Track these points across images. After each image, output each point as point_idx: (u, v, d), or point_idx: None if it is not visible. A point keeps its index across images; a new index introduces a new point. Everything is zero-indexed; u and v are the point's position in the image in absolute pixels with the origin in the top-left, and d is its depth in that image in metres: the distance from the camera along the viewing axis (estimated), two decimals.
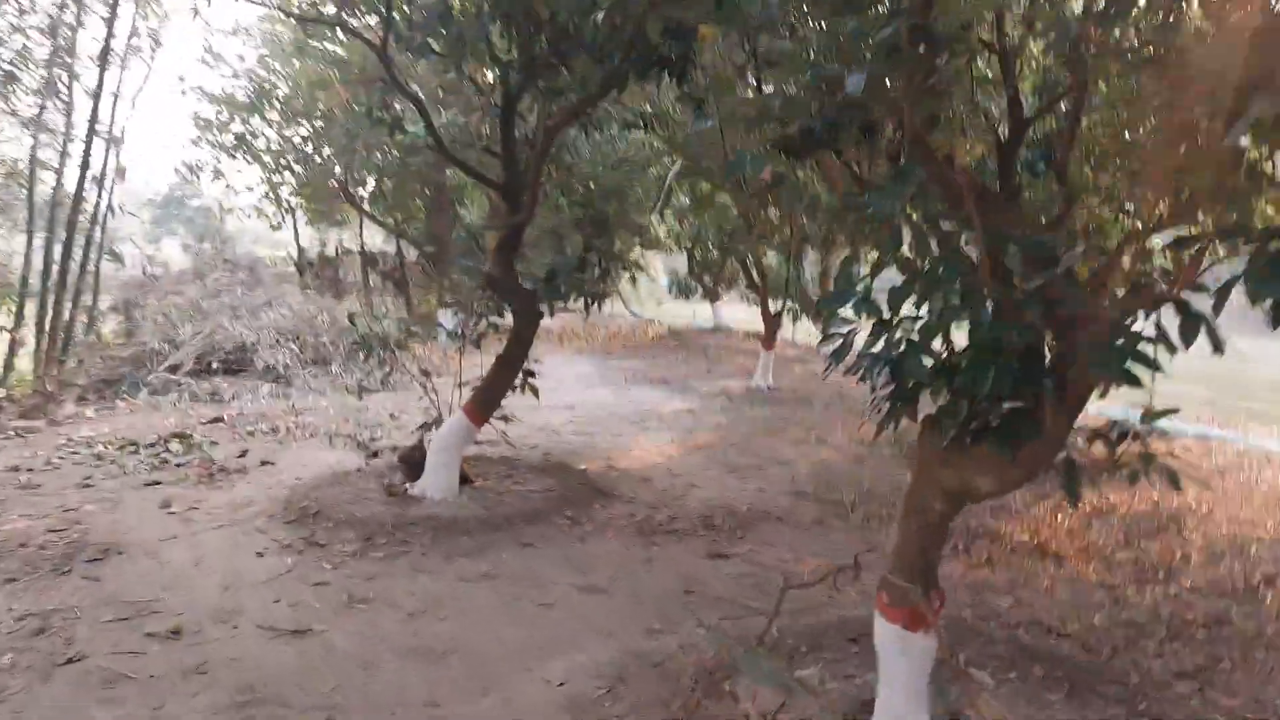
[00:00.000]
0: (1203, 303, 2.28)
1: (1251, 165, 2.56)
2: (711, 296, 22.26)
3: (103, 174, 11.59)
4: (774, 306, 13.23)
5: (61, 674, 3.94)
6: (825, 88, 2.96)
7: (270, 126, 20.46)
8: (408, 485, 6.81)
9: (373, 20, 7.02)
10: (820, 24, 3.35)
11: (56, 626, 4.38)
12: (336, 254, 23.02)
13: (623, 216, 7.57)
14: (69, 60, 11.35)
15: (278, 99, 19.76)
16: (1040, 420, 2.68)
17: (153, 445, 8.66)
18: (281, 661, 4.11)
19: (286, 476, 7.52)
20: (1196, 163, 2.60)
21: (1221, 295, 2.14)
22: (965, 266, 2.69)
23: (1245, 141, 2.32)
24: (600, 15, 5.35)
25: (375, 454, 8.50)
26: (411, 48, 6.26)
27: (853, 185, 3.20)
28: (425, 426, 7.19)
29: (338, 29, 14.79)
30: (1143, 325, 2.48)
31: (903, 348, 2.63)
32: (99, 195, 11.72)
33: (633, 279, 23.13)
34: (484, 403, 6.78)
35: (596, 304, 6.92)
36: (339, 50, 18.18)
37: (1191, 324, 2.24)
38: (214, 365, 12.76)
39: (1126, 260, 2.83)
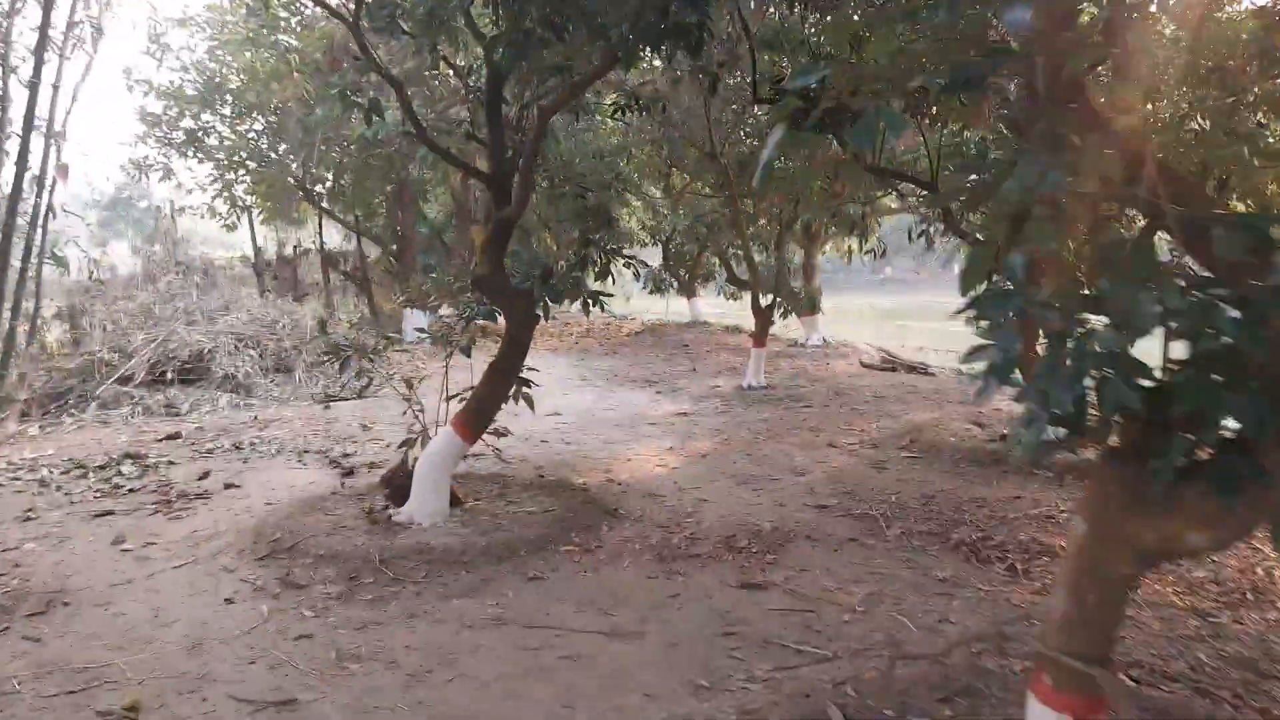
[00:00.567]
0: None
1: None
2: (688, 291, 21.67)
3: (42, 172, 10.69)
4: (763, 301, 12.62)
5: None
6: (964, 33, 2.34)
7: (222, 122, 19.52)
8: (391, 511, 6.12)
9: None
10: None
11: None
12: (295, 254, 22.09)
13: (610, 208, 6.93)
14: (2, 49, 10.43)
15: (229, 92, 18.83)
16: (1260, 457, 2.06)
17: (103, 468, 7.89)
18: None
19: (254, 501, 6.79)
20: None
21: None
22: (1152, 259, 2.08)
23: None
24: None
25: (350, 472, 7.79)
26: (379, 26, 5.58)
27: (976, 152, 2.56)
28: (408, 443, 6.50)
29: (304, 5, 13.97)
30: None
31: (1097, 365, 2.00)
32: (39, 195, 10.81)
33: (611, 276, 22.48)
34: (476, 416, 6.11)
35: (598, 305, 6.27)
36: (293, 41, 17.32)
37: None
38: (169, 375, 11.94)
39: None
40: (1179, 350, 1.99)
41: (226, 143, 19.54)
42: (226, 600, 4.82)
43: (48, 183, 11.04)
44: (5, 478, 7.52)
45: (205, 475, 7.70)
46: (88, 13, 11.73)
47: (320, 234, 21.90)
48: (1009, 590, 4.89)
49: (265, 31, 16.96)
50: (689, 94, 9.68)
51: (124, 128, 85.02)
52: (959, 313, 2.26)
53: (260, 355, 13.12)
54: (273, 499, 6.84)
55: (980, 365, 2.21)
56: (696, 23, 5.02)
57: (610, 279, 6.56)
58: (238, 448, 8.81)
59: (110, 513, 6.52)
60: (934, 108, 8.79)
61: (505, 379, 6.13)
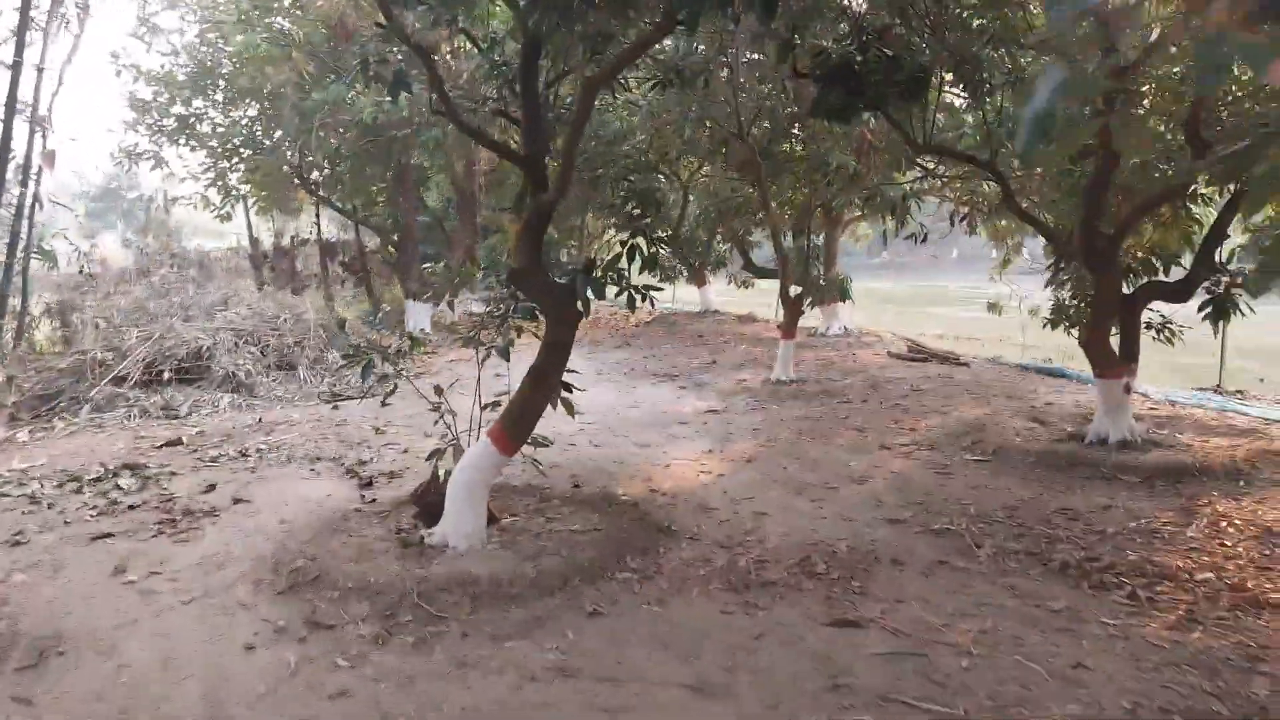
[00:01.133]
0: None
1: None
2: (698, 279, 21.03)
3: (27, 160, 10.02)
4: (792, 290, 11.99)
5: None
6: None
7: (215, 108, 18.79)
8: (423, 532, 5.50)
9: None
10: None
11: None
12: (293, 244, 21.39)
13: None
14: None
15: (222, 77, 18.10)
16: None
17: (99, 480, 7.26)
18: None
19: (268, 520, 6.17)
20: None
21: None
22: None
23: None
24: None
25: (369, 483, 7.18)
26: None
27: None
28: (437, 455, 5.88)
29: None
30: None
31: None
32: (24, 185, 10.13)
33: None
34: (517, 426, 5.48)
35: (646, 299, 5.65)
36: (287, 23, 16.60)
37: None
38: (165, 374, 11.27)
39: None
40: None
41: (219, 130, 18.84)
42: (246, 647, 4.20)
43: (33, 171, 10.36)
44: None
45: (211, 488, 7.08)
46: None
47: (318, 224, 21.21)
48: (1139, 625, 4.29)
49: (258, 13, 16.24)
50: (729, 68, 9.03)
51: (113, 114, 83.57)
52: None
53: (262, 352, 12.47)
54: (287, 516, 6.21)
55: None
56: None
57: (657, 269, 5.93)
58: (244, 455, 8.18)
59: (109, 535, 5.89)
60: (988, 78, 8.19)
61: (547, 384, 5.50)
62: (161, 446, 8.51)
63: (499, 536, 5.54)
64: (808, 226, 13.73)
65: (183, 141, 18.67)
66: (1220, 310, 7.04)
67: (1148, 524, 5.73)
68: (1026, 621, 4.35)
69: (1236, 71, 5.95)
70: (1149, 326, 7.77)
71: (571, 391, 5.78)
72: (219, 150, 18.94)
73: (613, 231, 17.32)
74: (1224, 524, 5.67)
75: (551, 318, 5.52)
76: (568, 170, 5.57)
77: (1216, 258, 7.31)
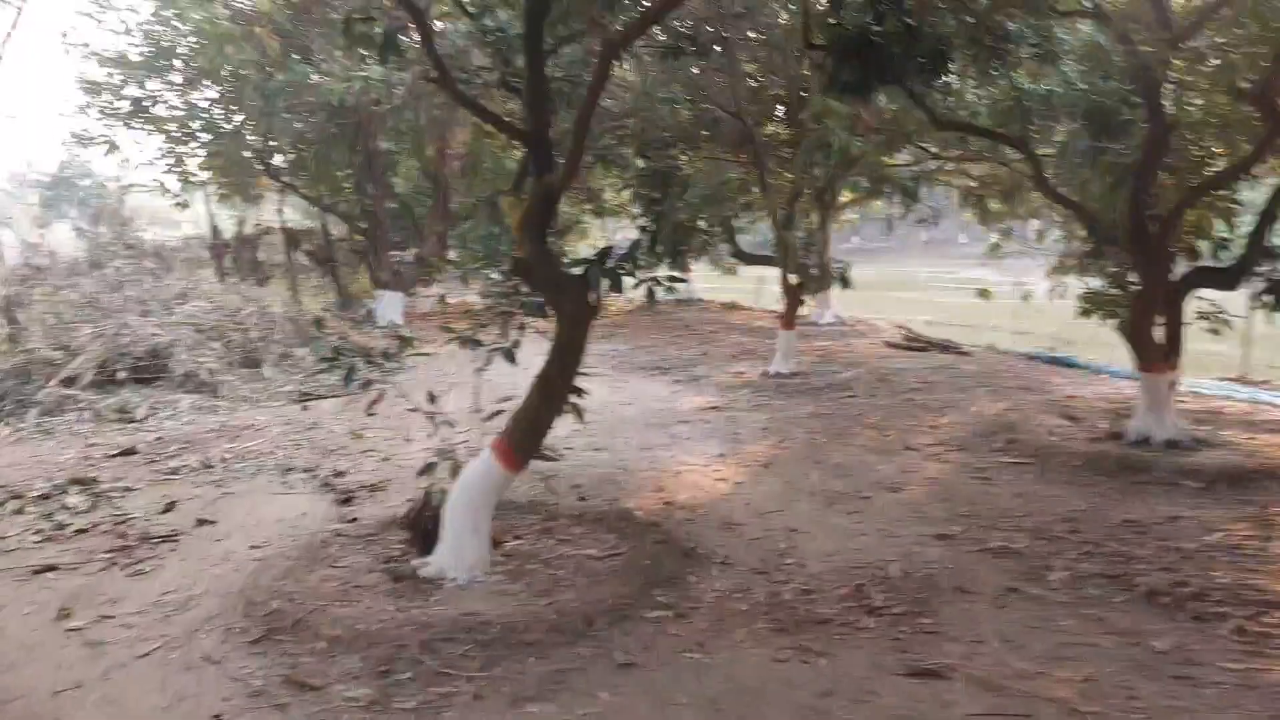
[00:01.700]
0: None
1: None
2: (681, 267, 20.36)
3: None
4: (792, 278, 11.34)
5: None
6: None
7: (171, 90, 17.79)
8: (417, 562, 4.81)
9: None
10: None
11: None
12: (255, 233, 20.43)
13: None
14: None
15: (179, 57, 17.11)
16: None
17: (44, 498, 6.50)
18: None
19: (236, 545, 5.46)
20: None
21: None
22: None
23: None
24: None
25: (348, 499, 6.46)
26: None
27: None
28: (429, 469, 5.18)
29: None
30: None
31: None
32: None
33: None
34: (525, 438, 4.79)
35: (669, 290, 5.00)
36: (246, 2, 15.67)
37: None
38: (120, 375, 10.41)
39: None
40: None
41: (177, 112, 17.85)
42: (214, 718, 3.49)
43: None
44: None
45: (171, 507, 6.33)
46: None
47: (282, 211, 20.26)
48: (1263, 670, 3.69)
49: None
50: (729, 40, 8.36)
51: (64, 97, 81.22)
52: None
53: (225, 348, 11.65)
54: (259, 541, 5.49)
55: None
56: None
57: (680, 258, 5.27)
58: (207, 466, 7.41)
59: (53, 567, 5.15)
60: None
61: (560, 390, 4.82)
62: (115, 456, 7.73)
63: (504, 564, 4.87)
64: (796, 210, 13.07)
65: (138, 125, 17.69)
66: (1278, 296, 6.49)
67: (1225, 539, 5.15)
68: (1132, 666, 3.74)
69: None
70: (1202, 316, 7.22)
71: (581, 395, 5.11)
72: (176, 134, 17.98)
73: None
74: None
75: (564, 315, 4.84)
76: (579, 147, 4.88)
77: (1268, 241, 6.75)
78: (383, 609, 4.29)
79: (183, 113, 17.76)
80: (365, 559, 5.00)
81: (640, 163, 5.19)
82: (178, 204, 19.60)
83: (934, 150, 11.78)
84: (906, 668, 3.76)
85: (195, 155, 18.67)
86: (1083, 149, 8.10)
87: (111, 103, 17.33)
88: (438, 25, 7.34)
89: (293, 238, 20.26)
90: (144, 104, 17.38)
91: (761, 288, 21.02)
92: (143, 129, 17.78)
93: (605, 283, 4.81)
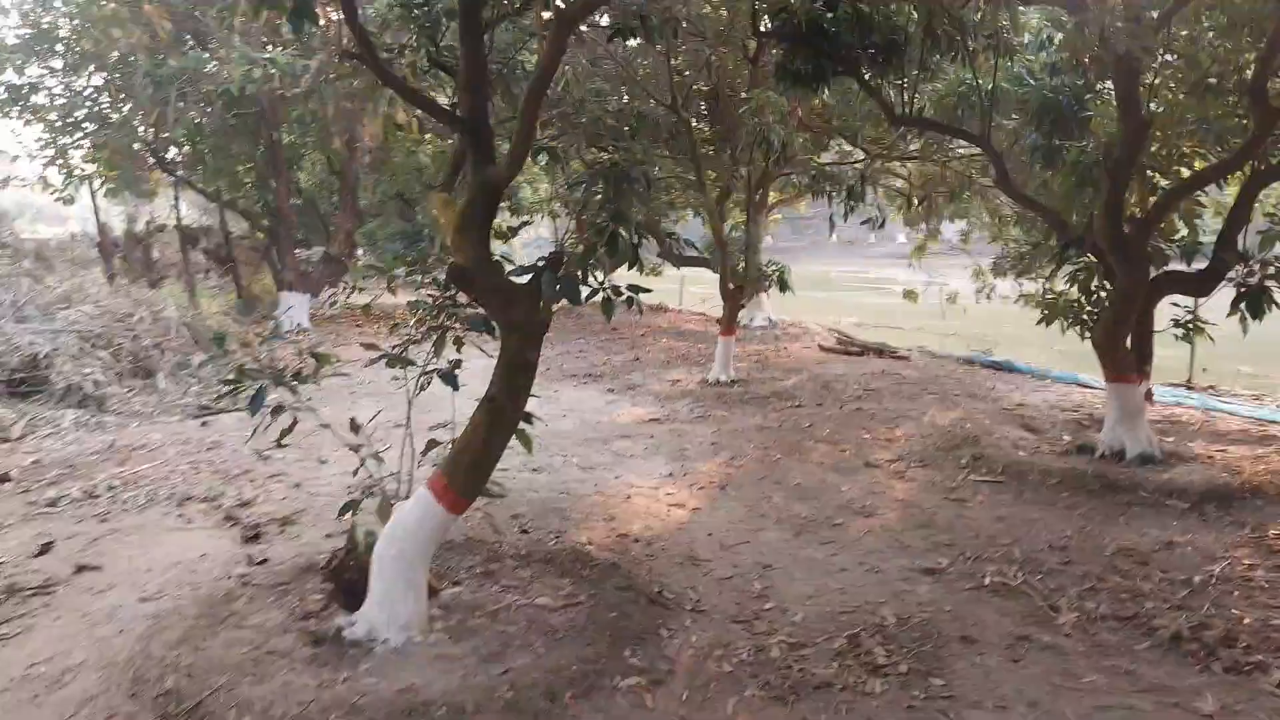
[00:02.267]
0: None
1: None
2: (604, 268, 19.73)
3: None
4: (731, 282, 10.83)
5: None
6: None
7: (53, 76, 16.42)
8: (341, 620, 4.10)
9: None
10: None
11: None
12: (147, 231, 19.08)
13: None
14: None
15: (61, 40, 15.78)
16: None
17: None
18: None
19: (123, 598, 4.66)
20: None
21: None
22: None
23: None
24: None
25: (255, 535, 5.67)
26: None
27: None
28: (352, 506, 4.46)
29: None
30: None
31: None
32: None
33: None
34: (470, 475, 4.11)
35: (633, 303, 4.40)
36: None
37: None
38: None
39: None
40: None
41: (59, 101, 16.47)
42: None
43: None
44: None
45: (47, 548, 5.45)
46: None
47: (177, 208, 18.95)
48: None
49: None
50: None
51: None
52: None
53: (114, 357, 10.59)
54: (151, 592, 4.70)
55: None
56: None
57: (640, 264, 4.68)
58: (91, 496, 6.51)
59: None
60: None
61: (509, 417, 4.16)
62: None
63: (443, 619, 4.19)
64: (726, 210, 12.60)
65: (15, 114, 16.26)
66: (1256, 304, 6.20)
67: (1230, 569, 4.78)
68: None
69: None
70: (1176, 323, 6.91)
71: (532, 422, 4.46)
72: (59, 124, 16.59)
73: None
74: None
75: (511, 329, 4.18)
76: (528, 137, 4.23)
77: (1240, 243, 6.47)
78: (302, 684, 3.57)
79: (65, 101, 16.41)
80: (278, 615, 4.26)
81: (591, 155, 4.61)
82: (61, 199, 18.14)
83: (868, 149, 11.42)
84: None
85: (80, 147, 17.28)
86: (1037, 146, 7.77)
87: None
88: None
89: (189, 236, 18.97)
90: (22, 91, 16.00)
91: (685, 289, 20.58)
92: (21, 118, 16.37)
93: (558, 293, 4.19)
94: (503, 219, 20.94)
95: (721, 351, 10.56)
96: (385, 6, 5.46)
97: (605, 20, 6.90)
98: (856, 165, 10.53)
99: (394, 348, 4.55)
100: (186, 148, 17.43)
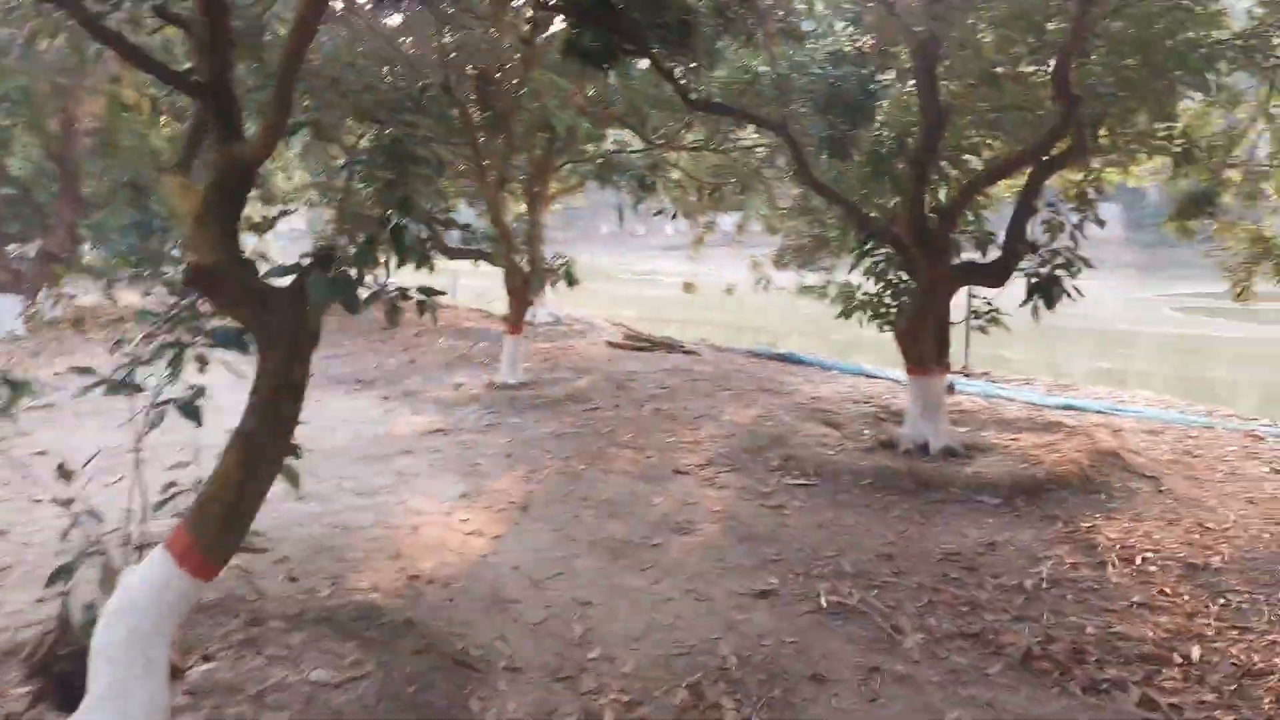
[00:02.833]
0: None
1: None
2: (387, 267, 18.44)
3: None
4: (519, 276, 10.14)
5: None
6: None
7: None
8: None
9: None
10: None
11: None
12: None
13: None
14: None
15: None
16: None
17: None
18: None
19: None
20: None
21: None
22: None
23: None
24: None
25: None
26: None
27: None
28: (63, 573, 3.49)
29: None
30: None
31: None
32: None
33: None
34: (220, 531, 3.25)
35: (426, 310, 3.69)
36: None
37: None
38: None
39: None
40: None
41: None
42: None
43: None
44: None
45: None
46: None
47: None
48: None
49: None
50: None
51: None
52: None
53: None
54: None
55: None
56: None
57: (428, 263, 3.96)
58: None
59: None
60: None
61: (271, 455, 3.33)
62: None
63: (192, 708, 3.32)
64: (503, 199, 11.90)
65: None
66: (1049, 294, 6.23)
67: (1056, 569, 4.66)
68: None
69: None
70: (976, 315, 6.89)
71: (300, 455, 3.65)
72: None
73: None
74: (1138, 560, 4.76)
75: (272, 343, 3.36)
76: (285, 106, 3.41)
77: (1029, 233, 6.51)
78: None
79: None
80: None
81: (370, 133, 3.83)
82: None
83: (651, 138, 11.05)
84: None
85: None
86: (824, 136, 7.62)
87: None
88: None
89: None
90: None
91: (458, 283, 19.63)
92: None
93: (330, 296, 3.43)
94: (255, 209, 19.28)
95: (509, 351, 9.87)
96: None
97: None
98: (636, 154, 10.12)
99: (117, 369, 3.60)
100: None
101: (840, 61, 7.89)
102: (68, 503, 3.41)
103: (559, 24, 9.61)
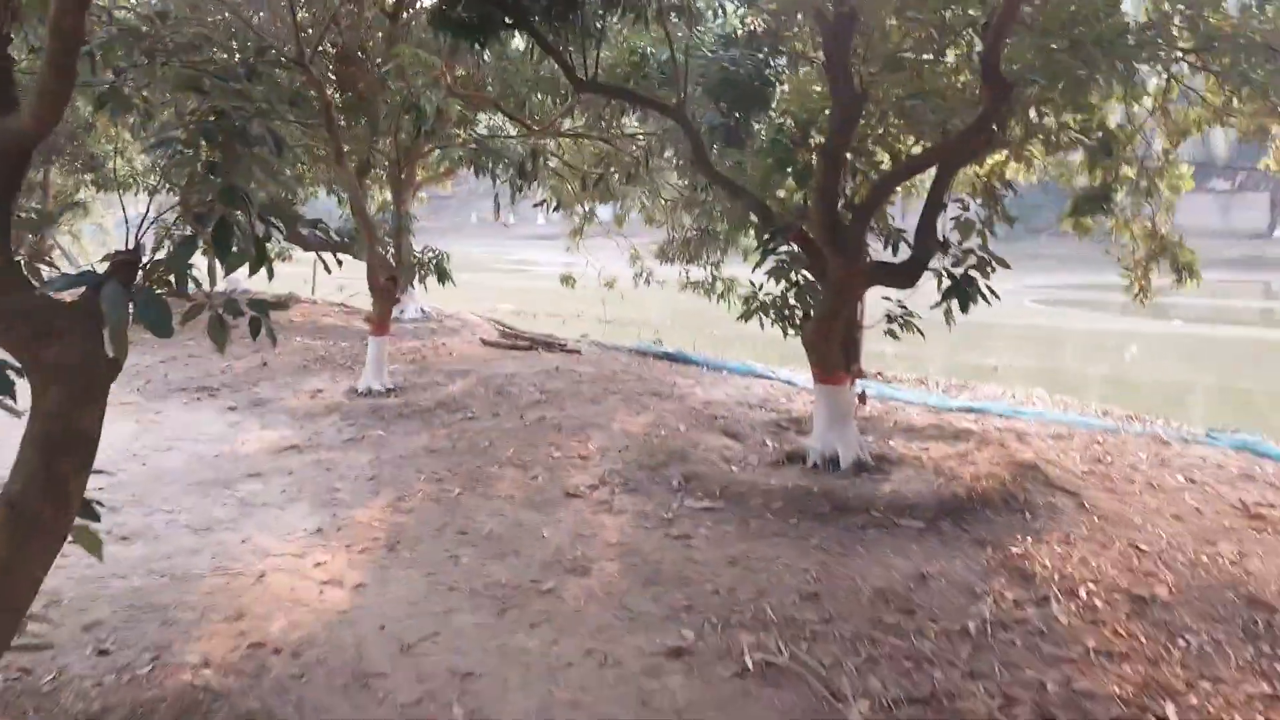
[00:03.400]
0: None
1: None
2: (270, 272, 17.03)
3: None
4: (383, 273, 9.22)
5: None
6: None
7: None
8: None
9: None
10: None
11: None
12: None
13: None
14: None
15: None
16: None
17: None
18: None
19: None
20: None
21: None
22: None
23: None
24: None
25: None
26: None
27: None
28: None
29: None
30: None
31: None
32: None
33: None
34: None
35: (263, 327, 2.93)
36: None
37: None
38: None
39: None
40: None
41: None
42: None
43: None
44: None
45: None
46: None
47: None
48: None
49: None
50: None
51: None
52: None
53: None
54: None
55: None
56: None
57: (264, 265, 3.20)
58: None
59: None
60: None
61: (53, 526, 2.51)
62: None
63: None
64: (365, 187, 10.94)
65: None
66: (963, 295, 5.82)
67: (998, 608, 4.20)
68: None
69: None
70: (890, 318, 6.42)
71: (99, 517, 2.84)
72: None
73: None
74: (1081, 593, 4.34)
75: (49, 381, 2.53)
76: (67, 69, 2.57)
77: (940, 231, 6.09)
78: None
79: None
80: None
81: (192, 103, 3.02)
82: None
83: (528, 123, 10.30)
84: None
85: None
86: (715, 125, 7.08)
87: None
88: None
89: None
90: None
91: (319, 276, 18.39)
92: None
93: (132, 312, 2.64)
94: (89, 195, 17.56)
95: (374, 354, 8.96)
96: None
97: None
98: (513, 140, 9.37)
99: None
100: None
101: (731, 44, 7.36)
102: None
103: None
